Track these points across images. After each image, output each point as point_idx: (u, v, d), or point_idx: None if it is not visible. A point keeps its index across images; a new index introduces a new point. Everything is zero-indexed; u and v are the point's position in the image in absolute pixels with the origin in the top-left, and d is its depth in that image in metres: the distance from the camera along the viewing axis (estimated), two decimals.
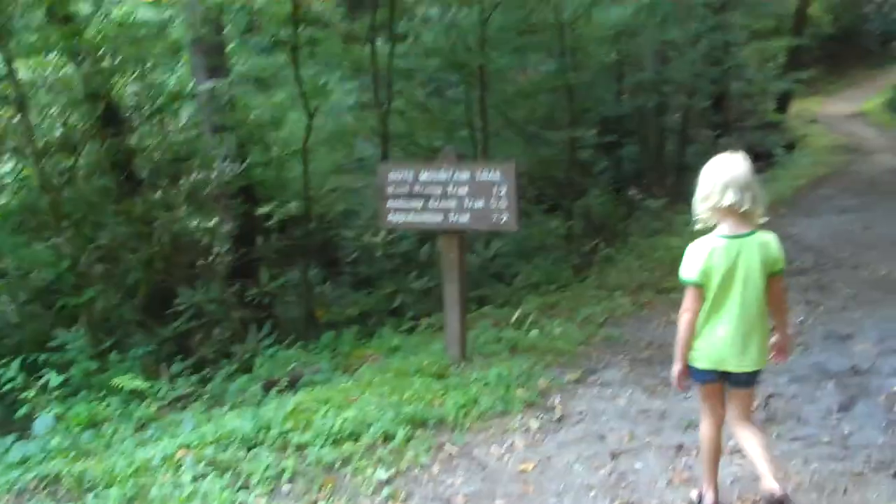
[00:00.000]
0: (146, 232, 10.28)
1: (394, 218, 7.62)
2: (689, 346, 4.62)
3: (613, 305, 9.89)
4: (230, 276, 10.84)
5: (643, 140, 20.80)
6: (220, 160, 11.22)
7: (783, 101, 33.56)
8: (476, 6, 11.89)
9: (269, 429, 6.07)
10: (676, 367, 4.68)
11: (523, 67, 16.49)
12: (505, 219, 7.17)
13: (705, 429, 4.83)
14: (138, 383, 7.13)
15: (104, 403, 7.14)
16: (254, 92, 13.05)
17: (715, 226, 4.55)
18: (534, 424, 6.33)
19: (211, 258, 10.34)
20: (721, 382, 4.68)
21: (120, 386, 7.16)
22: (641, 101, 19.96)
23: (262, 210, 11.48)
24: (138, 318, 10.02)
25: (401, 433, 5.98)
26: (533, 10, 13.77)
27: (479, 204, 7.23)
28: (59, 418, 6.76)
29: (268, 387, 7.61)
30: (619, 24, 15.43)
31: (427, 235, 10.92)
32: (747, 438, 4.67)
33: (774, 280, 4.56)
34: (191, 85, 12.24)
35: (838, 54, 45.42)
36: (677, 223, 15.33)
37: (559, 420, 6.44)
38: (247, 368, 8.60)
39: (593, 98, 17.87)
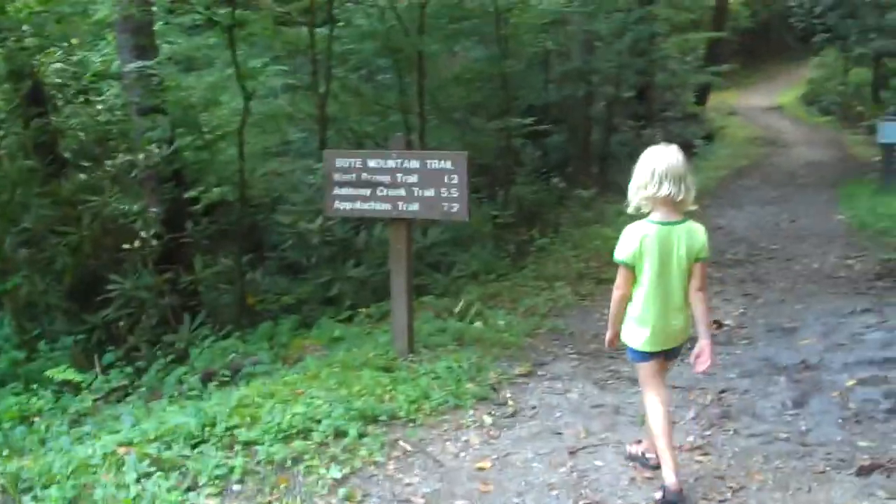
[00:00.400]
0: (73, 215, 9.88)
1: (340, 205, 7.38)
2: (618, 318, 5.00)
3: (555, 296, 9.82)
4: (159, 261, 10.46)
5: (570, 129, 20.75)
6: (148, 142, 10.84)
7: (702, 94, 34.02)
8: None
9: (214, 425, 5.78)
10: (609, 334, 5.09)
11: (452, 53, 16.34)
12: (456, 208, 7.00)
13: (654, 409, 4.97)
14: (71, 375, 6.79)
15: (35, 396, 6.80)
16: (181, 73, 12.61)
17: (648, 212, 4.81)
18: (487, 420, 6.18)
19: (139, 243, 9.94)
20: (661, 359, 5.03)
21: (51, 377, 6.82)
22: (569, 91, 19.92)
23: (191, 194, 11.11)
24: (65, 306, 9.61)
25: (353, 429, 5.75)
26: None
27: (430, 193, 7.04)
28: None
29: (206, 378, 7.33)
30: (554, 13, 15.32)
31: (364, 222, 10.68)
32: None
33: (698, 266, 4.84)
34: (116, 64, 11.80)
35: (754, 48, 46.23)
36: (608, 213, 15.36)
37: (512, 415, 6.31)
38: (181, 359, 8.30)
39: (522, 86, 17.73)
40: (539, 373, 7.24)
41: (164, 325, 9.50)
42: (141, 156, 10.70)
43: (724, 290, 10.37)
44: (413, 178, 7.07)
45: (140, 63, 10.96)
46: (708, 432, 5.97)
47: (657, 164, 4.70)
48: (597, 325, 8.58)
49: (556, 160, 20.94)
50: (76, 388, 7.11)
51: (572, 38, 19.85)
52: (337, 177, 7.30)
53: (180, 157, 11.14)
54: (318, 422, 5.84)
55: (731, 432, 5.94)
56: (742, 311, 9.39)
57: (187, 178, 11.51)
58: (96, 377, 7.35)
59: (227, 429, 5.74)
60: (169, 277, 9.71)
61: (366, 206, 7.27)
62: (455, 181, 6.94)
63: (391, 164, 7.13)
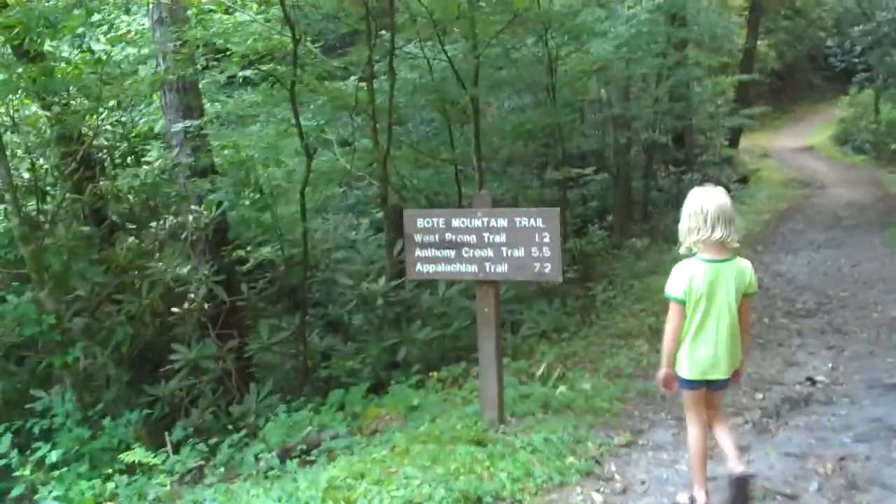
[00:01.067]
0: (129, 282, 9.51)
1: (423, 268, 6.95)
2: (673, 354, 5.21)
3: (635, 355, 9.36)
4: (214, 327, 10.03)
5: (615, 177, 20.32)
6: (212, 205, 10.53)
7: (734, 136, 33.61)
8: (466, 40, 11.37)
9: None
10: (663, 372, 5.29)
11: (490, 104, 16.05)
12: (548, 269, 6.58)
13: (694, 433, 5.34)
14: (146, 457, 6.36)
15: (109, 481, 6.36)
16: (226, 130, 12.32)
17: (697, 251, 5.13)
18: (598, 498, 5.72)
19: (192, 307, 9.56)
20: (704, 389, 5.25)
21: (126, 460, 6.38)
22: (609, 137, 19.58)
23: (239, 253, 10.74)
24: (126, 378, 9.19)
25: None
26: (517, 45, 13.27)
27: (519, 253, 6.63)
28: (61, 499, 5.96)
29: (284, 455, 6.90)
30: (603, 59, 14.97)
31: (429, 282, 10.25)
32: (721, 434, 5.36)
33: (746, 301, 5.21)
34: (163, 124, 11.51)
35: (781, 90, 45.94)
36: (664, 263, 14.91)
37: (623, 492, 5.84)
38: (252, 432, 7.86)
39: (561, 135, 17.39)
40: (640, 442, 6.77)
41: (230, 395, 9.08)
42: (191, 217, 10.39)
43: (806, 343, 9.90)
44: (501, 238, 6.67)
45: (188, 122, 10.70)
46: None
47: (708, 207, 5.01)
48: None
49: (596, 209, 20.56)
50: (148, 468, 6.68)
51: (611, 85, 19.50)
52: (419, 238, 6.90)
53: (231, 217, 10.82)
54: None
55: None
56: (831, 365, 8.91)
57: (236, 239, 11.18)
58: (168, 456, 6.90)
59: None
60: (233, 345, 9.27)
61: (450, 268, 6.87)
62: (546, 240, 6.54)
63: (476, 223, 6.72)
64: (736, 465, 5.19)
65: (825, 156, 38.12)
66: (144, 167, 11.12)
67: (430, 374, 9.05)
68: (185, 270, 9.67)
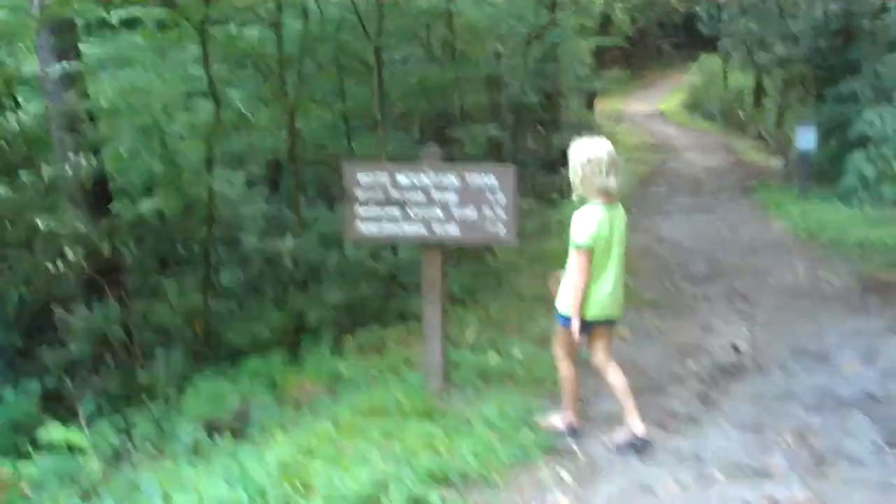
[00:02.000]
0: (14, 239, 8.67)
1: (365, 228, 6.49)
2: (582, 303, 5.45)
3: None
4: (91, 285, 9.22)
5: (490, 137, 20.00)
6: (76, 153, 9.68)
7: (590, 100, 33.99)
8: None
9: (264, 494, 4.86)
10: (577, 324, 5.52)
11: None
12: (503, 231, 6.24)
13: (570, 375, 5.92)
14: (71, 435, 5.70)
15: (28, 460, 5.68)
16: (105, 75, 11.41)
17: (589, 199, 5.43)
18: (566, 475, 5.40)
19: (79, 267, 8.78)
20: (604, 328, 5.71)
21: (46, 438, 5.71)
22: (484, 97, 19.27)
23: (123, 206, 9.99)
24: (19, 345, 8.35)
25: (433, 496, 4.89)
26: None
27: (471, 213, 6.25)
28: None
29: (211, 429, 6.35)
30: (497, 16, 14.58)
31: (337, 242, 9.70)
32: (615, 376, 5.80)
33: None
34: (37, 68, 10.59)
35: (633, 55, 46.75)
36: (549, 223, 14.82)
37: (590, 469, 5.55)
38: (166, 402, 7.23)
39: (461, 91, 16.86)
40: (590, 414, 6.48)
41: (136, 363, 8.37)
42: (68, 167, 9.57)
43: (715, 309, 9.88)
44: (451, 196, 6.26)
45: (67, 65, 9.85)
46: (812, 481, 5.29)
47: (602, 155, 5.32)
48: (620, 352, 7.86)
49: None
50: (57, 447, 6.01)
51: (493, 43, 19.15)
52: (360, 195, 6.42)
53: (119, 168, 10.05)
54: (386, 486, 4.95)
55: (838, 481, 5.29)
56: (748, 332, 8.86)
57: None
58: (85, 433, 6.22)
59: (283, 500, 4.82)
60: (140, 308, 8.55)
61: (395, 228, 6.44)
62: (501, 199, 6.19)
63: (425, 180, 6.30)
64: (636, 425, 5.72)
65: (676, 122, 39.05)
66: (21, 113, 10.20)
67: (346, 339, 8.58)
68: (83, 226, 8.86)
